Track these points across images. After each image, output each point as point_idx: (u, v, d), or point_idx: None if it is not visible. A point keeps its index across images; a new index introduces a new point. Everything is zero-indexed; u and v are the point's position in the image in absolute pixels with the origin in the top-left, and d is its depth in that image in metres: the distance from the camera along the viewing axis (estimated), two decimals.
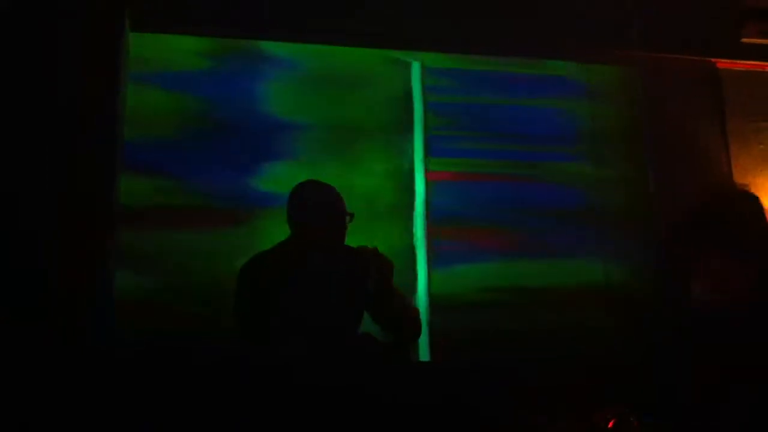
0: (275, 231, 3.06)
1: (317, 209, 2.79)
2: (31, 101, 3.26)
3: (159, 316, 3.30)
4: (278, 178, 3.59)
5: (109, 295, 3.24)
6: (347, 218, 2.80)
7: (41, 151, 3.23)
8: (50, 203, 3.21)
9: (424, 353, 3.51)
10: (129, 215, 3.38)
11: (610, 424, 2.82)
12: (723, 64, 4.25)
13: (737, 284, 2.12)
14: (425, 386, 2.81)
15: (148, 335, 3.21)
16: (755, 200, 2.25)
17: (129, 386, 2.97)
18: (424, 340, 3.47)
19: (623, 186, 4.02)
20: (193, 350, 3.14)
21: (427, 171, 3.82)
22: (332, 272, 2.79)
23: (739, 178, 3.92)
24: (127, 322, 3.24)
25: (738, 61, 4.26)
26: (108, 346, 3.14)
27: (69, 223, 3.21)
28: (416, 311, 3.04)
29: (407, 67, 3.94)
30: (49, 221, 3.19)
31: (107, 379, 3.00)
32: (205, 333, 3.21)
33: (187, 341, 3.20)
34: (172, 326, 3.27)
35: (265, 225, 3.47)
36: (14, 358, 2.93)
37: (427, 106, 3.91)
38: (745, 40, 4.25)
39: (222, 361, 2.85)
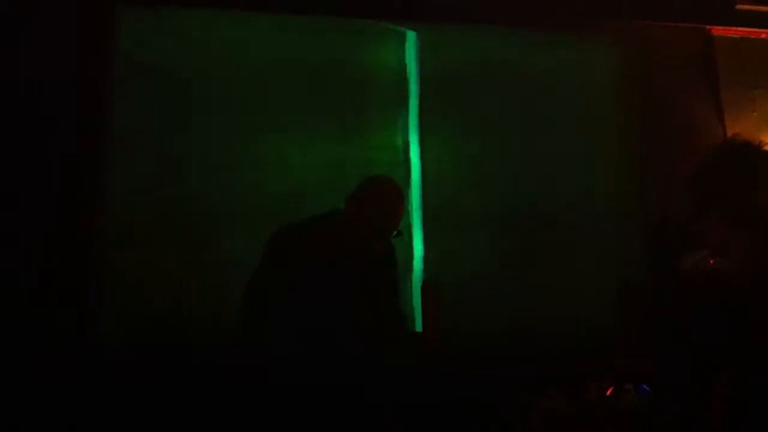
0: (266, 217, 3.07)
1: (369, 205, 2.69)
2: (30, 101, 3.27)
3: (158, 316, 3.29)
4: (270, 155, 3.57)
5: (107, 295, 3.26)
6: (394, 231, 2.71)
7: (41, 151, 3.25)
8: (50, 203, 3.25)
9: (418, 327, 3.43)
10: (128, 214, 3.37)
11: (609, 392, 2.85)
12: (717, 30, 4.21)
13: (738, 248, 1.90)
14: (423, 385, 2.80)
15: (147, 336, 3.22)
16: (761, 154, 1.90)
17: (128, 386, 3.01)
18: (418, 316, 3.42)
19: (616, 158, 3.99)
20: (192, 351, 3.16)
21: (422, 144, 3.76)
22: (354, 267, 2.67)
23: None
24: (127, 322, 3.25)
25: (732, 28, 4.22)
26: (106, 346, 3.17)
27: (69, 223, 3.25)
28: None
29: (402, 37, 3.86)
30: (49, 221, 3.22)
31: (106, 378, 3.03)
32: (204, 333, 3.19)
33: (186, 342, 3.22)
34: (171, 326, 3.28)
35: (255, 208, 3.46)
36: (14, 358, 2.99)
37: (422, 78, 3.82)
38: (739, 6, 4.22)
39: (220, 362, 2.85)
